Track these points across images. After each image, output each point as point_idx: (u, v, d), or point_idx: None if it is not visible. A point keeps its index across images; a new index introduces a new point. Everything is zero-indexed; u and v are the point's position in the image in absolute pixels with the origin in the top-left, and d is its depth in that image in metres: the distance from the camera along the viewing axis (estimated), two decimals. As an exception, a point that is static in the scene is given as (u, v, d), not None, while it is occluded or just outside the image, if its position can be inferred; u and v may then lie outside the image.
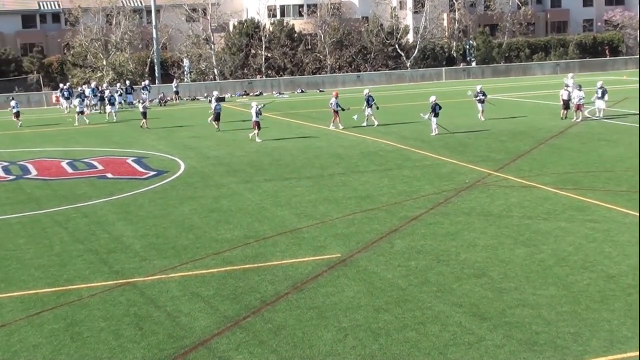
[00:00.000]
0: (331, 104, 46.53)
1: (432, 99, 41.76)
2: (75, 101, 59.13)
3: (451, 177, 30.10)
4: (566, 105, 45.80)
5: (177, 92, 73.49)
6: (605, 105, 46.00)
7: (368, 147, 38.45)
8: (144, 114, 52.03)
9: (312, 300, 16.92)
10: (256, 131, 42.09)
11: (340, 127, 45.65)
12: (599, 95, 45.61)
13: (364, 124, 46.53)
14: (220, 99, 51.85)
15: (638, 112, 45.07)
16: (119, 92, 67.21)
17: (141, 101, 57.10)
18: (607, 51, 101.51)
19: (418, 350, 14.15)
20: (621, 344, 14.06)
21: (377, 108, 47.15)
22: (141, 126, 51.51)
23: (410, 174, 30.96)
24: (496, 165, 32.03)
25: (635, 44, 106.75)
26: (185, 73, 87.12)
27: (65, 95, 66.45)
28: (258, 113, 42.04)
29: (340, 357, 14.00)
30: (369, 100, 46.85)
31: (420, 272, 18.63)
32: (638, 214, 22.88)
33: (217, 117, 47.54)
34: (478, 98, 46.37)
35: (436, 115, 41.44)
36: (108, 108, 59.41)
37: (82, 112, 56.32)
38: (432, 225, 22.94)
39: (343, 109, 45.87)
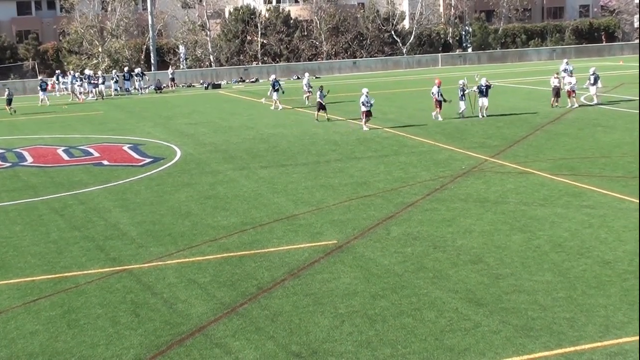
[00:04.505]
0: (433, 93, 41.95)
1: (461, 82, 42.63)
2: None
3: (447, 163, 30.11)
4: (556, 92, 45.35)
5: (173, 79, 73.44)
6: (597, 91, 45.88)
7: (364, 133, 38.42)
8: (9, 101, 54.82)
9: (309, 287, 16.94)
10: (364, 119, 39.66)
11: (440, 118, 41.73)
12: (591, 81, 45.53)
13: (272, 107, 50.15)
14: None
15: (638, 98, 44.91)
16: (114, 79, 67.20)
17: (7, 89, 58.20)
18: (603, 37, 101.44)
19: (414, 336, 14.18)
20: (617, 330, 14.10)
21: (283, 92, 50.91)
22: (10, 113, 53.98)
23: (406, 160, 30.96)
24: (492, 151, 32.04)
25: (632, 29, 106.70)
26: (181, 60, 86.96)
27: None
28: (369, 102, 39.17)
29: (336, 343, 14.03)
30: (274, 85, 49.98)
31: (417, 259, 18.66)
32: (638, 200, 22.86)
33: (322, 107, 43.61)
34: (479, 89, 42.31)
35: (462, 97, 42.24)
36: (41, 94, 60.97)
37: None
38: (428, 211, 22.95)
39: (445, 100, 41.78)
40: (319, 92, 43.27)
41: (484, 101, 42.23)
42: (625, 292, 15.92)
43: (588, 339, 13.76)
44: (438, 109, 42.02)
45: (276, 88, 50.32)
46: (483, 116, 42.08)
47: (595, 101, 45.55)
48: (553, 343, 13.66)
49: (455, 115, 42.18)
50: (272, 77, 52.82)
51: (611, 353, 13.20)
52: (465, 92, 42.16)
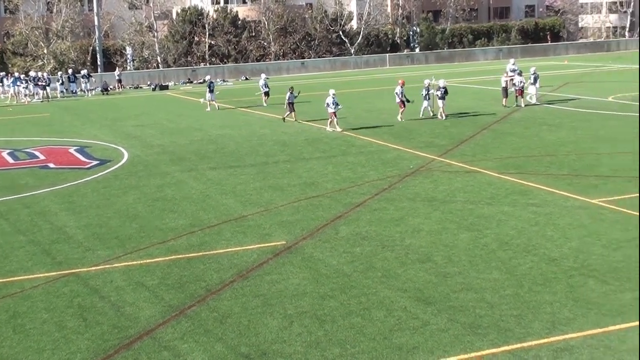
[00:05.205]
0: (397, 93, 41.43)
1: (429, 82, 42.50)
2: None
3: (395, 163, 30.24)
4: (506, 92, 45.68)
5: (119, 81, 72.80)
6: (536, 90, 46.32)
7: (312, 134, 38.44)
8: None
9: (258, 288, 16.91)
10: (335, 120, 38.95)
11: (401, 119, 41.32)
12: (532, 81, 46.02)
13: (208, 109, 50.43)
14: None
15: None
16: (60, 81, 66.49)
17: None
18: (548, 37, 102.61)
19: (363, 335, 14.22)
20: (563, 326, 14.27)
21: (216, 93, 51.84)
22: None
23: (354, 161, 31.04)
24: (440, 150, 32.24)
25: (576, 29, 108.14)
26: (128, 61, 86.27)
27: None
28: (336, 103, 38.69)
29: (286, 344, 14.02)
30: (210, 86, 50.74)
31: (365, 258, 18.71)
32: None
33: (292, 108, 43.19)
34: (439, 93, 41.83)
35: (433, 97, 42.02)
36: None
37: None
38: (376, 211, 23.03)
39: (409, 101, 41.18)
40: (289, 93, 42.93)
41: (441, 103, 41.80)
42: (571, 289, 16.12)
43: (535, 336, 13.91)
44: (402, 109, 41.46)
45: (211, 89, 50.71)
46: (442, 117, 41.64)
47: (535, 100, 45.97)
48: (500, 340, 13.78)
49: (418, 115, 41.92)
50: (207, 77, 53.78)
51: (557, 349, 13.36)
52: (430, 92, 42.04)
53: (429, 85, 42.13)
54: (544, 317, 14.73)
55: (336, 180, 27.59)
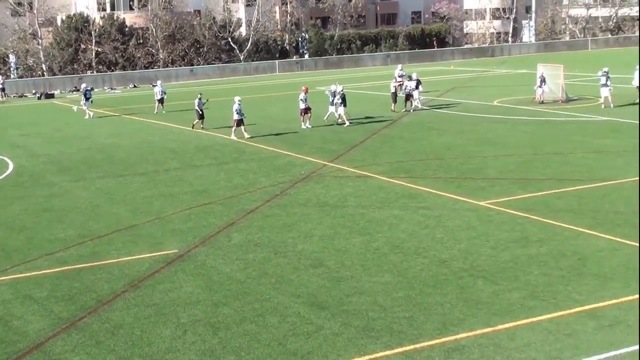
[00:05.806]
0: (301, 100, 41.12)
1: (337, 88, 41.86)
2: None
3: (287, 169, 30.31)
4: (395, 97, 46.35)
5: (3, 89, 70.93)
6: (419, 95, 46.98)
7: (203, 141, 38.21)
8: None
9: (150, 298, 16.73)
10: (234, 128, 38.47)
11: (309, 126, 40.92)
12: (413, 87, 46.56)
13: (86, 117, 49.94)
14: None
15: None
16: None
17: None
18: (435, 42, 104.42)
19: (258, 342, 14.21)
20: (454, 326, 14.53)
21: (92, 102, 51.11)
22: None
23: (246, 167, 31.00)
24: (331, 156, 32.45)
25: (461, 35, 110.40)
26: (11, 69, 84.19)
27: None
28: (240, 111, 37.99)
29: (180, 354, 13.90)
30: (86, 94, 50.59)
31: (259, 265, 18.71)
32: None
33: (200, 115, 42.38)
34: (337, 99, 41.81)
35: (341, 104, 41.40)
36: None
37: None
38: (269, 217, 23.05)
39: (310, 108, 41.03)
40: (197, 100, 42.25)
41: (341, 109, 41.55)
42: (461, 290, 16.42)
43: (427, 337, 14.12)
44: (306, 116, 41.05)
45: (87, 97, 50.31)
46: (346, 123, 41.21)
47: (418, 106, 46.55)
48: (394, 342, 13.95)
49: (321, 122, 41.85)
50: (83, 85, 53.39)
51: (449, 349, 13.59)
52: (335, 99, 41.71)
53: (334, 91, 41.97)
54: (435, 318, 14.97)
55: (228, 187, 27.50)
